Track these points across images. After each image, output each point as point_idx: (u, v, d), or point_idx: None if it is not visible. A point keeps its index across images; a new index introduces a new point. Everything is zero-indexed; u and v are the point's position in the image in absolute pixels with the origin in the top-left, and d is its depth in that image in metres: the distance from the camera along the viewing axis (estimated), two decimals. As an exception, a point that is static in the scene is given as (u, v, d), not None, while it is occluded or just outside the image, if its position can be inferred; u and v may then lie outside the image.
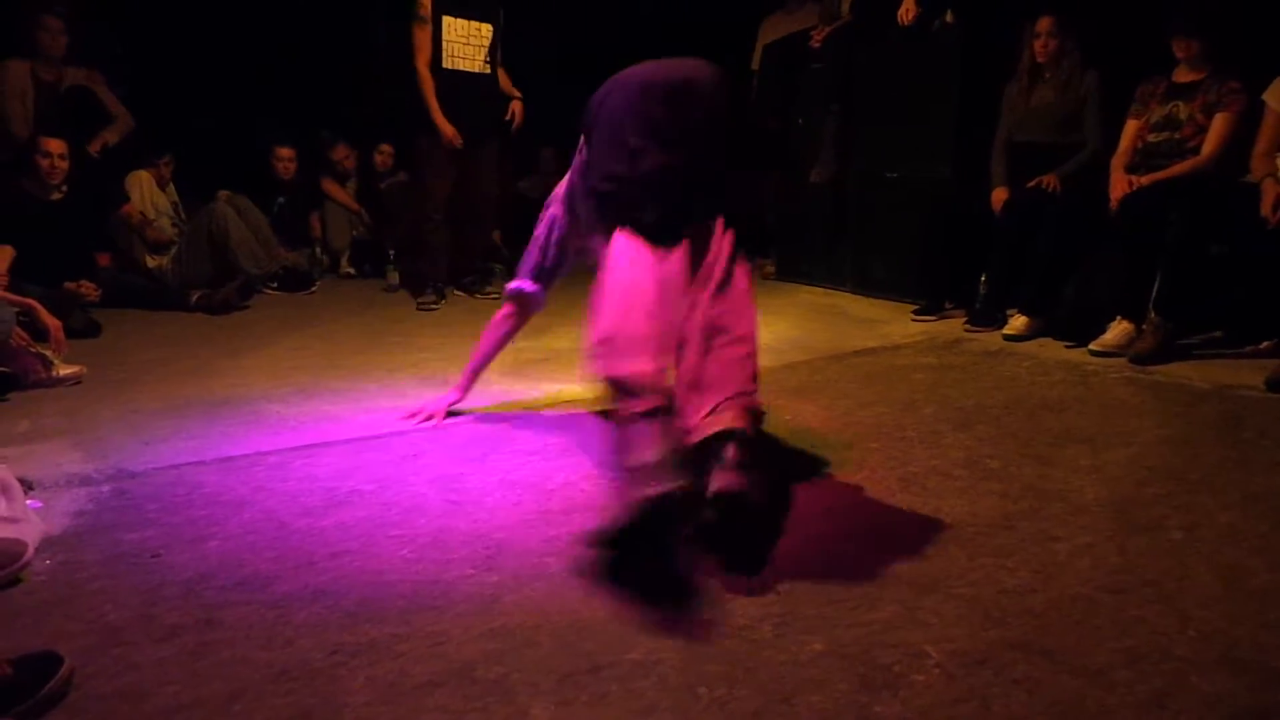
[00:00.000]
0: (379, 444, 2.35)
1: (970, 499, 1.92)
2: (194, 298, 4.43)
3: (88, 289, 4.15)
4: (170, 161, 5.11)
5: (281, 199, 5.58)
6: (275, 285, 5.08)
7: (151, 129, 5.17)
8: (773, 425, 2.49)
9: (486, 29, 4.48)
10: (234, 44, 6.12)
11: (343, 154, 6.00)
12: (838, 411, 2.61)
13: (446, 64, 4.44)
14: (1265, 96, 3.15)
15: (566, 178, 2.29)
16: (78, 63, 4.85)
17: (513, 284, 2.45)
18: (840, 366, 3.18)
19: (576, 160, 2.16)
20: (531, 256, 2.41)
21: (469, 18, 4.42)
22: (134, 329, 4.00)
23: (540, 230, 2.39)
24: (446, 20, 4.39)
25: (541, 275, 2.41)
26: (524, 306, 2.48)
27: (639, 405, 1.55)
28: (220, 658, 1.35)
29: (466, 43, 4.46)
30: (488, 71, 4.57)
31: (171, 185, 5.16)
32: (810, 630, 1.40)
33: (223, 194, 4.92)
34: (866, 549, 1.68)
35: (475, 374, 2.61)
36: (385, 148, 5.99)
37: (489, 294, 4.68)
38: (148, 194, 4.91)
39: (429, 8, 4.33)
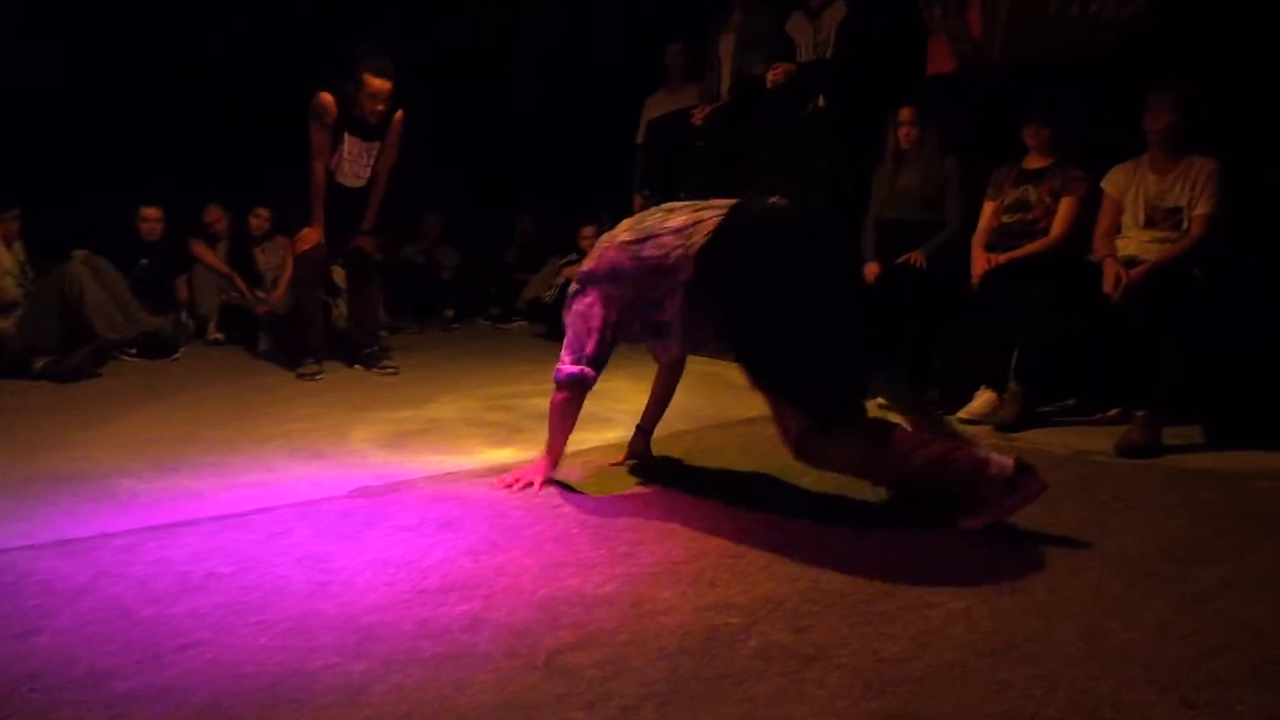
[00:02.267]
0: (242, 522, 2.20)
1: (850, 567, 1.95)
2: (39, 364, 4.11)
3: (-84, 354, 3.80)
4: (18, 217, 4.79)
5: (145, 260, 5.31)
6: (134, 351, 4.79)
7: (-1, 183, 4.86)
8: (655, 493, 2.48)
9: (376, 146, 4.48)
10: (98, 96, 5.86)
11: (215, 216, 5.80)
12: (721, 480, 2.62)
13: (337, 177, 4.42)
14: (1103, 184, 3.45)
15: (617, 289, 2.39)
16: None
17: (572, 370, 2.40)
18: (724, 434, 3.21)
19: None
20: (588, 345, 2.39)
21: (366, 138, 4.41)
22: (-33, 398, 3.66)
23: (595, 324, 2.39)
24: (347, 137, 4.36)
25: (598, 363, 2.41)
26: (584, 391, 2.47)
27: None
28: (42, 770, 1.20)
29: (355, 160, 4.45)
30: (367, 182, 4.56)
31: (19, 242, 4.83)
32: (695, 708, 1.37)
33: (78, 253, 4.64)
34: (750, 620, 1.67)
35: (562, 449, 2.55)
36: (261, 211, 5.82)
37: (386, 369, 4.53)
38: (-9, 252, 4.58)
39: (333, 119, 4.27)
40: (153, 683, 1.42)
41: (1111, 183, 3.43)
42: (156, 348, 4.85)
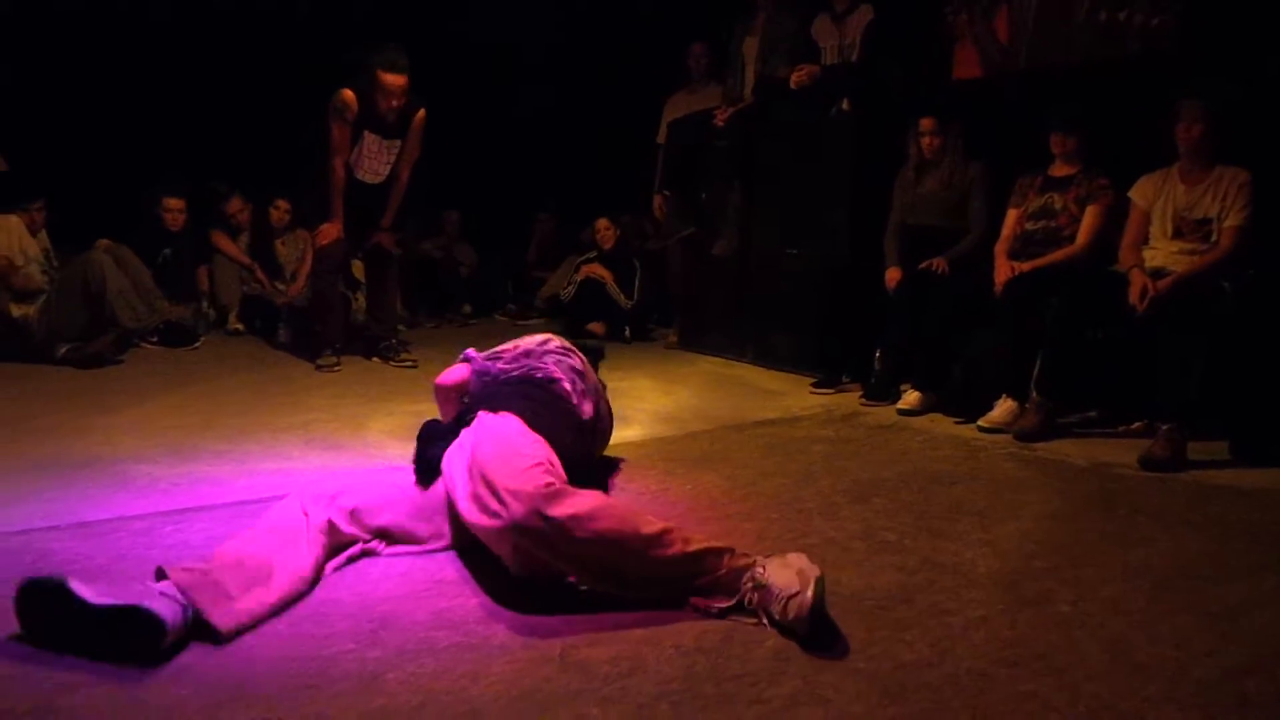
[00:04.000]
0: (260, 509, 2.20)
1: (868, 571, 1.93)
2: (62, 350, 4.14)
3: (-59, 337, 3.84)
4: (43, 207, 4.82)
5: (167, 250, 5.34)
6: (155, 340, 4.82)
7: (25, 172, 4.90)
8: (675, 495, 2.47)
9: (397, 144, 4.49)
10: (123, 88, 5.91)
11: (237, 207, 5.82)
12: (738, 482, 2.61)
13: (356, 173, 4.44)
14: (1131, 194, 3.40)
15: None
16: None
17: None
18: (741, 436, 3.20)
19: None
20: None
21: (385, 136, 4.43)
22: (-9, 381, 3.70)
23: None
24: (367, 134, 4.38)
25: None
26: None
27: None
28: (58, 749, 1.20)
29: (375, 157, 4.47)
30: (386, 179, 4.57)
31: (44, 232, 4.86)
32: (710, 709, 1.36)
33: (102, 243, 4.67)
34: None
35: None
36: (281, 203, 5.84)
37: (404, 361, 4.55)
38: (16, 239, 4.61)
39: (354, 115, 4.29)
40: (172, 664, 1.43)
41: (1139, 192, 3.39)
42: (177, 337, 4.87)
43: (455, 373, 2.41)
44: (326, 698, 1.34)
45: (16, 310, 4.41)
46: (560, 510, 1.60)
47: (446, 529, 1.96)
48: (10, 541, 1.93)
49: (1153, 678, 1.49)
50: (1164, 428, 2.94)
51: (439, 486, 1.97)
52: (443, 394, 2.44)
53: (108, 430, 2.98)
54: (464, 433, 2.00)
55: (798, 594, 1.57)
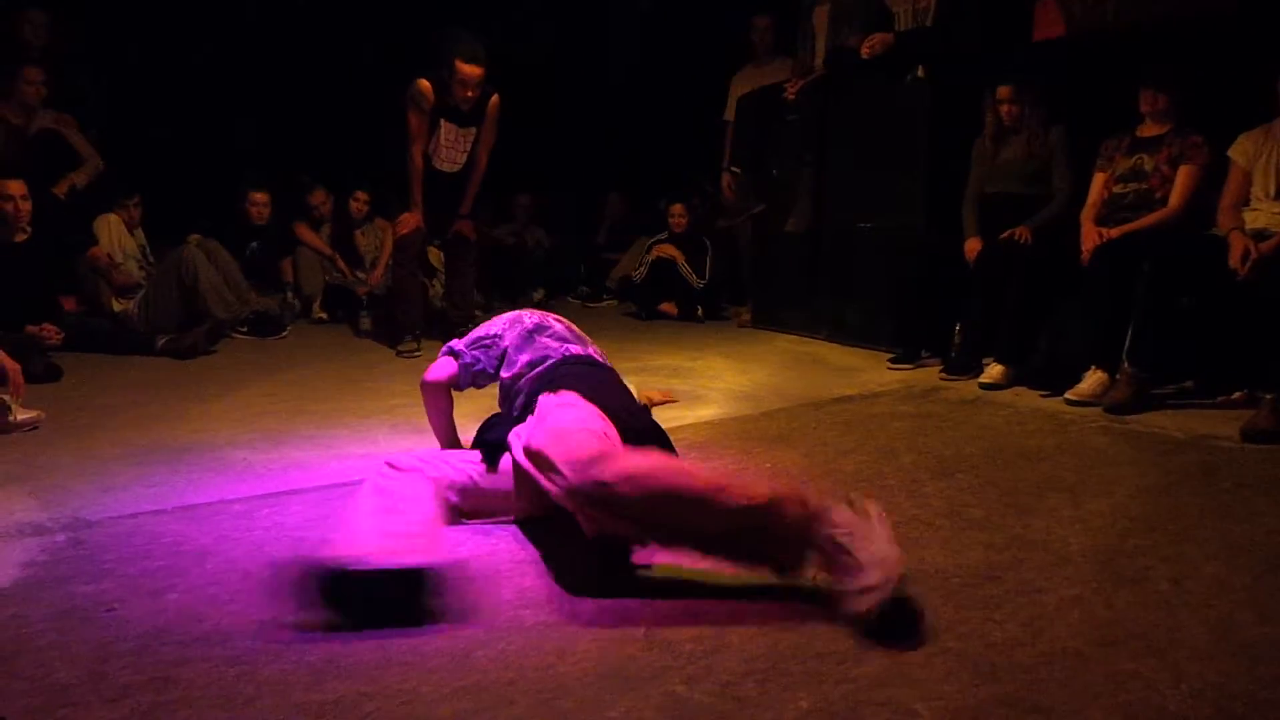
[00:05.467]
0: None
1: (954, 549, 1.89)
2: (160, 342, 4.34)
3: (50, 332, 4.06)
4: (139, 204, 5.05)
5: (254, 243, 5.54)
6: (245, 330, 5.01)
7: (122, 171, 5.13)
8: (753, 474, 2.46)
9: (473, 132, 4.56)
10: (210, 86, 6.13)
11: (320, 199, 5.99)
12: (817, 460, 2.58)
13: (434, 163, 4.52)
14: (1230, 152, 3.23)
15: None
16: (49, 106, 4.83)
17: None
18: (819, 414, 3.16)
19: None
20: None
21: (461, 124, 4.50)
22: (97, 373, 3.90)
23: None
24: (444, 124, 4.45)
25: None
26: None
27: None
28: (175, 719, 1.27)
29: (452, 146, 4.54)
30: (464, 167, 4.64)
31: (140, 228, 5.10)
32: (796, 686, 1.35)
33: (193, 238, 4.87)
34: (851, 601, 1.64)
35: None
36: (360, 194, 5.99)
37: None
38: (116, 237, 4.85)
39: (431, 105, 4.36)
40: (272, 640, 1.49)
41: (1239, 150, 3.21)
42: (266, 326, 5.06)
43: (441, 368, 2.36)
44: (419, 675, 1.39)
45: (118, 305, 4.64)
46: (611, 472, 1.60)
47: (516, 504, 2.01)
48: (121, 525, 2.04)
49: (1263, 658, 1.43)
50: (1268, 397, 2.79)
51: (506, 463, 2.01)
52: (430, 389, 2.39)
53: (205, 417, 3.12)
54: (529, 418, 2.03)
55: (874, 590, 1.48)
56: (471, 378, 2.35)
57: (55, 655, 1.44)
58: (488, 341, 2.37)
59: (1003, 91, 3.80)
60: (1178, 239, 3.21)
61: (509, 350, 2.33)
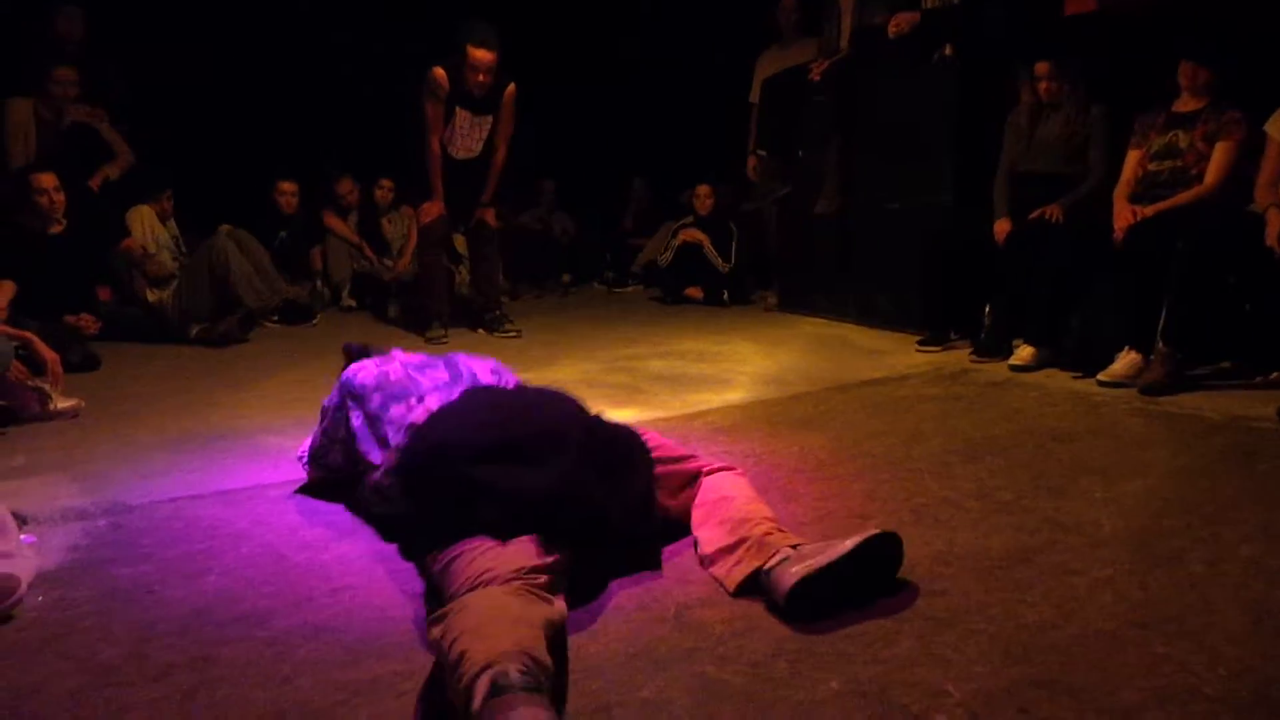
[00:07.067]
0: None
1: (984, 531, 1.88)
2: (194, 331, 4.41)
3: (87, 322, 4.13)
4: (171, 196, 5.12)
5: (283, 233, 5.60)
6: (276, 318, 5.07)
7: (154, 164, 5.19)
8: (780, 457, 2.46)
9: (488, 120, 4.57)
10: (237, 80, 6.17)
11: (347, 188, 6.04)
12: (846, 442, 2.57)
13: (450, 150, 4.54)
14: (1267, 127, 3.16)
15: None
16: (81, 100, 4.89)
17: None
18: (846, 397, 3.15)
19: None
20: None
21: (476, 111, 4.51)
22: (133, 362, 3.97)
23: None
24: (459, 111, 4.47)
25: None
26: None
27: None
28: (215, 697, 1.30)
29: (467, 134, 4.55)
30: (482, 153, 4.65)
31: (173, 219, 5.17)
32: (826, 667, 1.36)
33: (224, 228, 4.92)
34: (881, 583, 1.64)
35: None
36: (386, 182, 6.03)
37: (508, 331, 4.67)
38: (149, 228, 4.92)
39: (446, 92, 4.38)
40: (308, 621, 1.52)
41: (1276, 126, 3.13)
42: (296, 315, 5.13)
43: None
44: (454, 654, 1.41)
45: (152, 295, 4.71)
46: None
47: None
48: (161, 509, 2.08)
49: (1300, 640, 1.41)
50: (1308, 377, 2.75)
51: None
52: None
53: (239, 404, 3.17)
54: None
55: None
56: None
57: (99, 636, 1.48)
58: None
59: (1041, 68, 3.72)
60: (1214, 216, 3.15)
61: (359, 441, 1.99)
